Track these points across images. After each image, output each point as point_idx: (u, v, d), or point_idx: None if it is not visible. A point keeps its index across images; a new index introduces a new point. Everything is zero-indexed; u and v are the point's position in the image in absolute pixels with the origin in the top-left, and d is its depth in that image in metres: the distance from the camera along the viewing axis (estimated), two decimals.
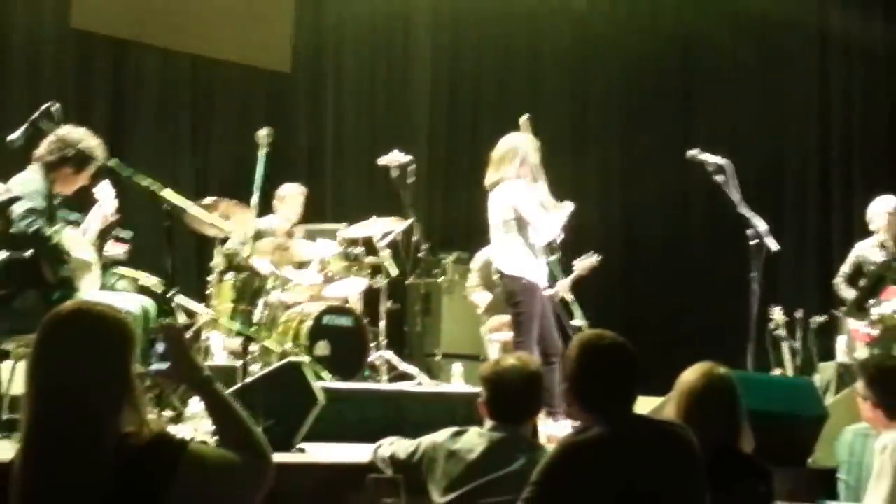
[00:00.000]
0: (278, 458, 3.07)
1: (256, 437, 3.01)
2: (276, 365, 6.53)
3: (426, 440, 4.73)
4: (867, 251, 9.52)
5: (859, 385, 5.46)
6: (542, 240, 7.92)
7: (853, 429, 6.13)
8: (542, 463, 3.78)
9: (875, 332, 9.04)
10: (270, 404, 5.64)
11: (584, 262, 9.39)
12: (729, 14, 13.94)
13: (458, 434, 4.62)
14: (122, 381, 2.86)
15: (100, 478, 2.76)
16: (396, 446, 4.98)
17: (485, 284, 9.90)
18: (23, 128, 6.10)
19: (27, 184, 6.08)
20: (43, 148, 6.23)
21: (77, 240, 6.23)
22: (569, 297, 9.30)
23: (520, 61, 14.05)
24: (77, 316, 2.92)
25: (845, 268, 9.63)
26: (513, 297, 7.88)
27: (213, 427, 3.10)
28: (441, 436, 4.66)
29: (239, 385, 5.63)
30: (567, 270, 8.97)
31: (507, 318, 9.30)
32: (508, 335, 9.29)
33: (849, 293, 9.44)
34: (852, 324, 9.36)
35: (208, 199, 8.34)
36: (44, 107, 6.19)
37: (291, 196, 9.66)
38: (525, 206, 7.82)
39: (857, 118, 13.26)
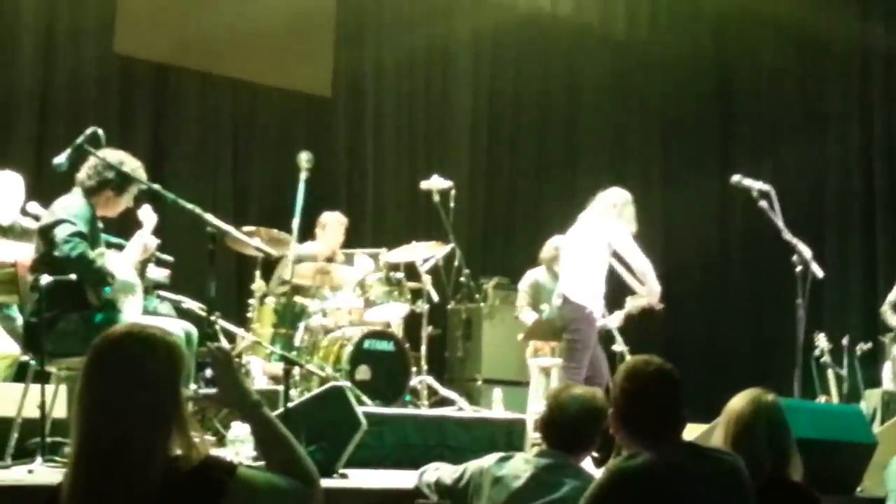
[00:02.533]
0: (322, 483, 3.04)
1: (305, 463, 2.99)
2: (318, 389, 6.52)
3: (472, 465, 4.69)
4: None
5: None
6: (635, 282, 8.50)
7: None
8: (590, 490, 3.73)
9: None
10: (313, 429, 5.62)
11: (637, 302, 9.36)
12: (769, 38, 13.90)
13: (503, 459, 4.57)
14: (172, 404, 2.83)
15: (148, 502, 2.74)
16: (441, 472, 4.94)
17: (533, 306, 9.90)
18: (67, 152, 6.09)
19: (70, 207, 6.08)
20: (84, 172, 6.23)
21: (120, 263, 6.23)
22: (613, 326, 9.29)
23: (559, 88, 14.04)
24: (128, 338, 2.89)
25: (892, 295, 9.54)
26: (573, 323, 8.18)
27: (256, 451, 3.07)
28: (487, 461, 4.61)
29: (281, 410, 5.60)
30: (615, 302, 8.96)
31: (545, 343, 9.33)
32: (547, 360, 9.27)
33: (894, 320, 9.35)
34: None
35: (248, 228, 8.36)
36: (88, 131, 6.19)
37: (332, 224, 9.69)
38: (627, 247, 8.29)
39: None
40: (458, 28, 13.13)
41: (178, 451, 2.82)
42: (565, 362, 8.13)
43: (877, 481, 6.49)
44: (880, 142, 13.23)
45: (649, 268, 8.39)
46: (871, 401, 9.51)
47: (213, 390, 3.06)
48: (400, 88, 12.95)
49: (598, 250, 8.27)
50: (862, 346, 10.34)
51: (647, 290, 8.48)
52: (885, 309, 9.55)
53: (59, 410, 5.93)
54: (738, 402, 4.27)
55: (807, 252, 7.50)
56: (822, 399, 10.17)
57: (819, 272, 7.52)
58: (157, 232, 6.66)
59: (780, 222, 7.56)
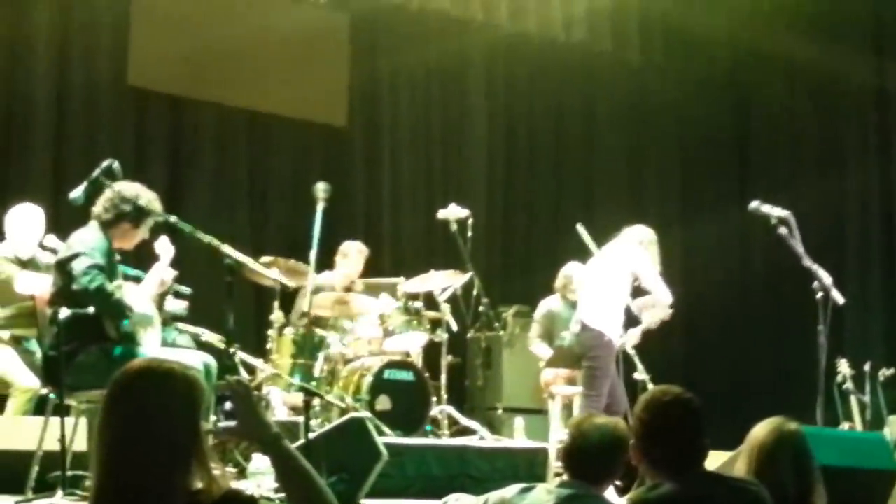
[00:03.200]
0: None
1: (326, 496, 2.98)
2: (339, 420, 6.51)
3: (493, 496, 4.65)
4: None
5: None
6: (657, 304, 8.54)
7: None
8: None
9: None
10: (333, 460, 5.62)
11: (654, 316, 9.34)
12: (784, 66, 13.85)
13: (525, 490, 4.53)
14: (192, 437, 2.81)
15: None
16: (463, 503, 4.91)
17: (545, 336, 9.85)
18: (83, 185, 6.12)
19: (87, 240, 6.10)
20: (100, 205, 6.25)
21: (138, 295, 6.23)
22: (630, 350, 9.23)
23: (575, 115, 14.02)
24: (147, 372, 2.88)
25: None
26: (591, 350, 8.18)
27: (277, 484, 3.06)
28: (509, 492, 4.58)
29: (301, 441, 5.59)
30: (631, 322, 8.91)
31: (563, 371, 9.30)
32: (567, 389, 9.25)
33: None
34: None
35: (266, 259, 8.37)
36: (104, 164, 6.22)
37: (354, 253, 9.67)
38: (649, 275, 8.40)
39: None
40: (473, 55, 13.13)
41: (199, 485, 2.80)
42: (585, 390, 8.11)
43: None
44: None
45: (662, 287, 8.49)
46: (894, 427, 9.45)
47: (233, 423, 3.04)
48: (416, 117, 12.94)
49: (621, 279, 8.32)
50: (884, 372, 10.27)
51: (654, 300, 8.49)
52: None
53: (80, 444, 5.93)
54: (761, 430, 4.24)
55: (827, 278, 7.46)
56: (845, 426, 10.11)
57: (840, 298, 7.47)
58: (175, 264, 6.67)
59: (799, 248, 7.52)
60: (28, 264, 7.46)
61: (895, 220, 13.07)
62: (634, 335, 9.01)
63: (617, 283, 8.32)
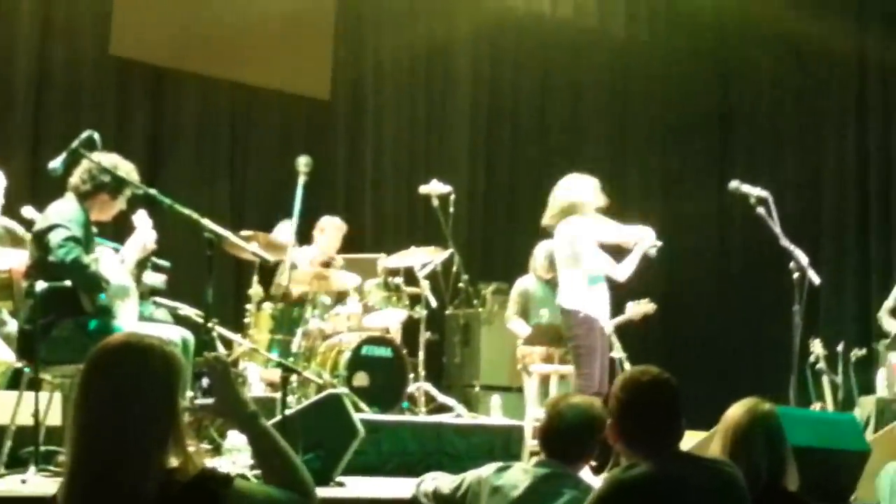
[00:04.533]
0: (319, 492, 3.03)
1: (301, 475, 2.99)
2: (316, 397, 6.50)
3: (470, 475, 4.68)
4: None
5: None
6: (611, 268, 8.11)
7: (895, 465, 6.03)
8: (589, 500, 3.74)
9: None
10: (310, 437, 5.62)
11: (638, 308, 9.31)
12: (768, 40, 13.88)
13: (502, 469, 4.56)
14: (170, 415, 2.82)
15: None
16: (440, 481, 4.93)
17: (522, 314, 9.85)
18: (62, 156, 6.06)
19: (64, 212, 6.05)
20: (77, 176, 6.18)
21: (115, 268, 6.20)
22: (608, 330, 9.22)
23: (559, 90, 14.02)
24: (126, 348, 2.88)
25: (889, 301, 9.53)
26: (569, 330, 7.99)
27: (253, 460, 3.07)
28: (486, 471, 4.60)
29: (278, 417, 5.59)
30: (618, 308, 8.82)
31: (538, 349, 9.29)
32: (543, 366, 9.25)
33: (892, 326, 9.34)
34: (893, 358, 9.25)
35: (245, 233, 8.35)
36: (84, 135, 6.16)
37: (331, 229, 9.65)
38: (603, 232, 8.00)
39: (895, 147, 13.17)
40: (458, 31, 13.09)
41: (175, 463, 2.80)
42: (576, 370, 8.01)
43: (870, 489, 6.48)
44: (876, 151, 13.23)
45: (631, 231, 8.16)
46: (865, 408, 9.49)
47: (210, 400, 3.04)
48: (399, 92, 12.91)
49: (583, 252, 7.95)
50: (857, 353, 10.31)
51: (637, 235, 8.17)
52: (882, 314, 9.52)
53: (54, 418, 5.90)
54: (736, 411, 4.28)
55: (804, 259, 7.49)
56: (816, 406, 10.15)
57: (816, 279, 7.51)
58: (154, 238, 6.63)
59: (777, 229, 7.55)
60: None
61: (871, 201, 13.12)
62: (613, 322, 8.95)
63: (580, 257, 7.96)
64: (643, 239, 8.13)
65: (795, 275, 7.46)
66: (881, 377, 9.47)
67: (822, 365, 10.27)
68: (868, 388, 9.90)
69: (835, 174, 13.61)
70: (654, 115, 14.63)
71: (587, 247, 7.92)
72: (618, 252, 8.23)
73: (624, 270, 8.17)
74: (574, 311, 7.87)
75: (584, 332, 7.85)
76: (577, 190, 8.04)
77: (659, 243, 8.17)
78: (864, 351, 10.28)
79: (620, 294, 8.55)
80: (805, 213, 12.81)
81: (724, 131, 14.80)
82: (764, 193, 7.65)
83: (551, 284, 9.68)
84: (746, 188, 7.73)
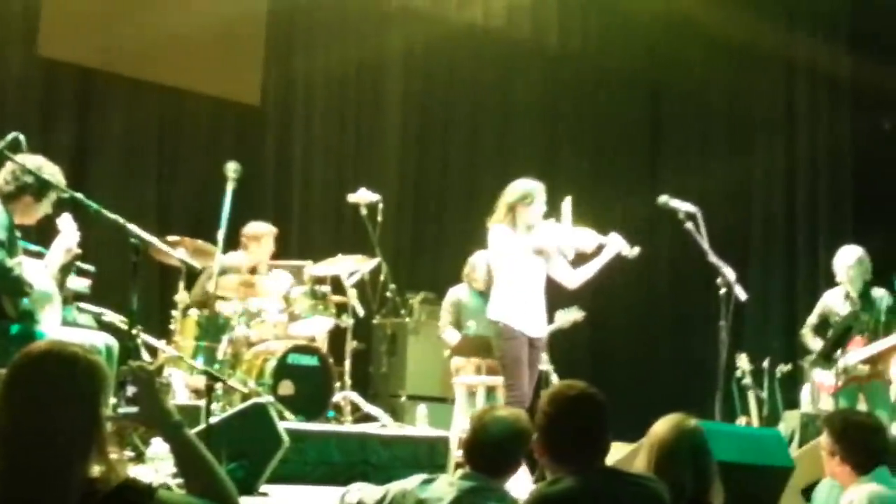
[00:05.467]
0: (242, 502, 3.00)
1: (224, 485, 2.97)
2: (241, 406, 6.46)
3: (395, 487, 4.65)
4: (834, 301, 9.51)
5: (824, 440, 5.40)
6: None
7: (829, 481, 6.07)
8: None
9: (839, 383, 9.05)
10: (234, 446, 5.58)
11: (568, 316, 9.31)
12: (699, 49, 13.97)
13: (427, 482, 4.53)
14: (92, 424, 2.78)
15: None
16: (364, 493, 4.88)
17: (455, 324, 9.84)
18: None
19: None
20: (1, 178, 6.11)
21: (39, 272, 6.11)
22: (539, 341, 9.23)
23: (490, 101, 14.01)
24: (48, 356, 2.84)
25: (812, 318, 9.61)
26: (495, 341, 7.94)
27: (176, 469, 3.04)
28: (410, 483, 4.57)
29: (203, 426, 5.53)
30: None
31: (470, 360, 9.31)
32: (472, 378, 9.26)
33: (815, 343, 9.43)
34: (817, 374, 9.34)
35: (172, 238, 8.27)
36: (9, 136, 6.08)
37: (263, 236, 9.51)
38: (508, 248, 7.85)
39: (822, 162, 13.35)
40: (390, 40, 13.03)
41: (97, 472, 2.77)
42: (504, 381, 7.98)
43: None
44: (804, 162, 13.39)
45: (586, 236, 8.01)
46: (789, 423, 9.58)
47: (133, 409, 3.01)
48: (330, 99, 12.84)
49: (514, 262, 7.87)
50: (782, 368, 10.44)
51: (593, 242, 7.99)
52: (806, 332, 9.61)
53: None
54: (661, 427, 4.28)
55: (731, 274, 7.54)
56: (742, 420, 10.25)
57: (742, 294, 7.56)
58: (78, 242, 6.55)
59: (705, 244, 7.60)
60: None
61: (798, 216, 13.27)
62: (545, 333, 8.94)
63: (499, 268, 7.96)
64: (610, 245, 8.04)
65: (722, 290, 7.50)
66: (806, 393, 9.55)
67: (747, 380, 10.38)
68: (793, 403, 10.00)
69: (763, 186, 13.76)
70: (586, 127, 14.66)
71: (513, 254, 7.85)
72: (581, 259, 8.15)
73: (577, 277, 8.14)
74: (497, 321, 7.86)
75: (504, 341, 7.81)
76: (516, 194, 8.00)
77: (636, 249, 8.02)
78: (789, 366, 10.40)
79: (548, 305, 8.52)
80: (733, 228, 12.93)
81: (654, 142, 14.89)
82: (693, 208, 7.70)
83: (485, 295, 9.70)
84: (675, 203, 7.77)
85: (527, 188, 8.04)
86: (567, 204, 8.08)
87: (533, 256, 7.91)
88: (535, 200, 7.99)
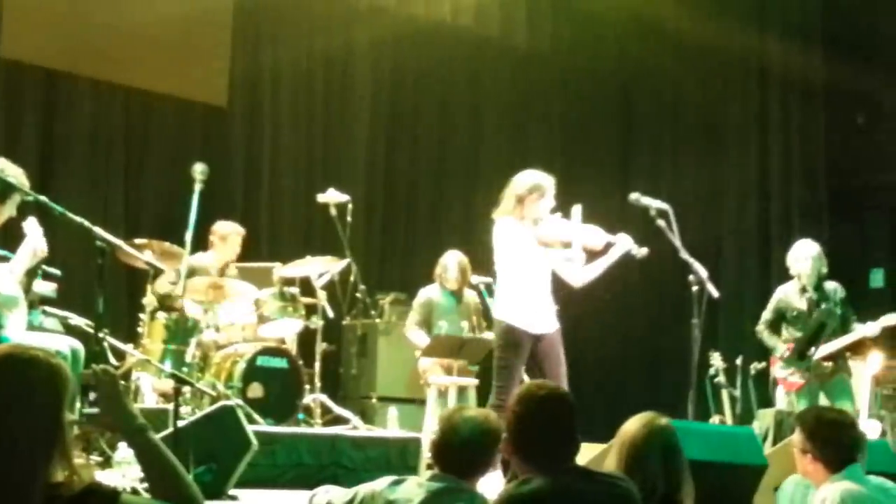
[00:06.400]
0: None
1: (190, 489, 2.94)
2: (209, 409, 6.41)
3: (363, 489, 4.60)
4: (790, 296, 9.46)
5: (796, 438, 5.37)
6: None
7: (794, 479, 6.06)
8: None
9: (801, 381, 9.06)
10: (202, 449, 5.53)
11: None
12: (670, 52, 13.99)
13: (396, 483, 4.49)
14: (55, 429, 2.75)
15: None
16: (332, 495, 4.84)
17: (423, 324, 9.77)
18: None
19: None
20: None
21: (4, 276, 6.06)
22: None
23: (460, 100, 13.99)
24: (9, 360, 2.80)
25: (767, 314, 9.52)
26: (495, 341, 7.79)
27: (143, 474, 3.01)
28: (379, 485, 4.53)
29: (170, 430, 5.48)
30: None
31: (440, 360, 9.27)
32: (443, 378, 9.23)
33: (772, 340, 9.39)
34: (778, 372, 9.33)
35: (139, 241, 8.21)
36: None
37: (229, 235, 9.43)
38: (511, 241, 7.63)
39: (796, 161, 13.39)
40: (358, 39, 12.98)
41: (61, 477, 2.73)
42: (494, 381, 7.77)
43: (767, 503, 6.52)
44: (777, 161, 13.43)
45: (595, 233, 7.85)
46: (763, 421, 9.56)
47: (95, 411, 2.98)
48: (297, 99, 12.76)
49: (515, 258, 7.64)
50: (755, 366, 10.42)
51: (602, 240, 7.84)
52: (761, 328, 9.55)
53: None
54: (632, 426, 4.26)
55: (703, 272, 7.51)
56: (715, 419, 10.25)
57: (715, 292, 7.54)
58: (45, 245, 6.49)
59: (677, 242, 7.58)
60: None
61: (771, 214, 13.30)
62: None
63: (505, 263, 7.71)
64: (618, 245, 7.92)
65: (695, 288, 7.49)
66: (780, 390, 9.54)
67: (720, 378, 10.37)
68: (766, 401, 9.99)
69: (736, 186, 13.79)
70: (555, 126, 14.66)
71: (521, 249, 7.62)
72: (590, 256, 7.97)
73: (583, 276, 7.98)
74: (498, 320, 7.71)
75: (503, 343, 7.62)
76: (526, 185, 7.73)
77: (644, 250, 7.90)
78: (762, 364, 10.37)
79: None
80: (706, 226, 12.94)
81: (625, 141, 14.90)
82: (664, 206, 7.68)
83: (457, 295, 9.67)
84: (647, 200, 7.75)
85: (538, 180, 7.75)
86: (577, 212, 7.84)
87: (540, 250, 7.69)
88: (546, 194, 7.73)
